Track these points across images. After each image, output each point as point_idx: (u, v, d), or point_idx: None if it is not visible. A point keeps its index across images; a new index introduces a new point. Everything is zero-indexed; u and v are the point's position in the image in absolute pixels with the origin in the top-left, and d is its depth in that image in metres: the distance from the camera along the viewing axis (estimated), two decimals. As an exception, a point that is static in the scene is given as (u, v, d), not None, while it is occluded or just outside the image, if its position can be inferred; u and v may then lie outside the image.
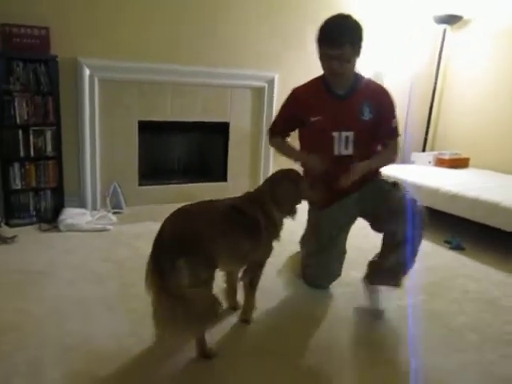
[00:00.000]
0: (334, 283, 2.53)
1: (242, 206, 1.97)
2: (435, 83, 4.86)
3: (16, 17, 3.13)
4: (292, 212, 2.11)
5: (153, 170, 4.09)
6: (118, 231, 3.27)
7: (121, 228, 3.33)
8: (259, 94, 4.15)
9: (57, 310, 2.14)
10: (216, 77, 3.93)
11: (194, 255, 1.70)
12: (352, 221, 2.46)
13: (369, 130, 2.24)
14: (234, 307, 2.24)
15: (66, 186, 3.49)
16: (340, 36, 2.05)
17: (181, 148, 4.29)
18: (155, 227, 3.17)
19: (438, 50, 4.78)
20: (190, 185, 4.13)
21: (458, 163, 4.43)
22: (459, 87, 4.79)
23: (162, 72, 3.71)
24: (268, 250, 2.10)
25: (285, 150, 2.44)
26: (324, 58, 2.14)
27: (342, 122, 2.22)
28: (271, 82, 4.14)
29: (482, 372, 1.87)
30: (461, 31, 4.72)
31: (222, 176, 4.24)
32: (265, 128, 4.20)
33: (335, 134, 2.22)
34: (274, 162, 4.34)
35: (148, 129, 3.86)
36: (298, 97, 2.31)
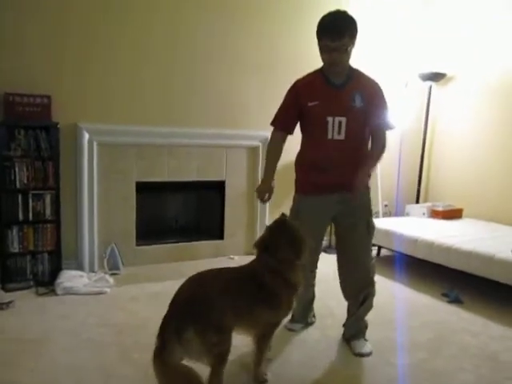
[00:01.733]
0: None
1: (259, 275, 2.01)
2: (424, 137, 5.01)
3: (18, 85, 3.28)
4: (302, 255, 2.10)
5: (150, 230, 4.12)
6: (115, 294, 3.25)
7: (118, 290, 3.32)
8: (254, 153, 4.27)
9: (51, 380, 2.11)
10: (211, 137, 4.06)
11: (204, 323, 1.82)
12: (327, 223, 2.61)
13: (360, 117, 2.38)
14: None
15: (64, 248, 3.52)
16: (340, 28, 2.22)
17: (178, 207, 4.36)
18: (152, 289, 3.21)
19: (425, 105, 4.96)
20: (187, 243, 4.16)
21: (452, 214, 4.49)
22: (448, 140, 4.93)
23: (157, 134, 3.84)
24: (288, 310, 2.14)
25: (269, 155, 2.61)
26: (325, 49, 2.29)
27: (336, 108, 2.35)
28: (265, 141, 4.26)
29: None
30: (446, 87, 4.93)
31: (218, 234, 4.27)
32: (260, 185, 4.29)
33: (329, 118, 2.35)
34: (270, 219, 4.39)
35: (145, 189, 3.93)
36: (298, 85, 2.47)
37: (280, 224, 2.14)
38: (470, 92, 4.69)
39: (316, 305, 2.86)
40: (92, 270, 3.67)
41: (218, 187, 4.22)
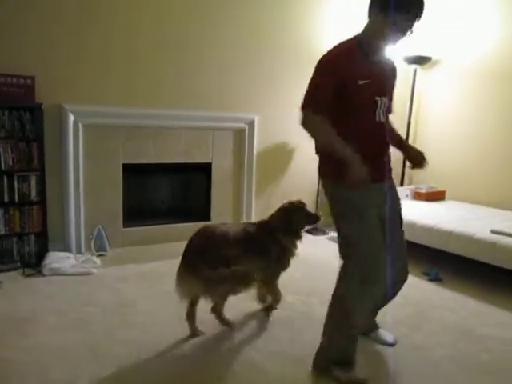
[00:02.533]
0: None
1: (253, 231, 2.53)
2: (409, 121, 5.06)
3: (2, 66, 3.23)
4: (299, 236, 2.61)
5: (137, 212, 4.13)
6: (102, 274, 3.28)
7: (105, 271, 3.35)
8: (240, 135, 4.29)
9: (40, 359, 2.15)
10: (198, 119, 4.06)
11: (211, 263, 2.32)
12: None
13: (392, 97, 2.26)
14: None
15: (51, 230, 3.52)
16: (423, 6, 2.00)
17: (165, 189, 4.37)
18: (139, 269, 3.24)
19: (410, 88, 5.00)
20: (174, 225, 4.18)
21: (435, 196, 4.58)
22: (432, 123, 4.99)
23: (145, 116, 3.84)
24: (275, 271, 2.59)
25: (328, 135, 2.04)
26: (400, 24, 1.99)
27: (381, 86, 2.16)
28: (251, 124, 4.29)
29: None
30: (431, 71, 4.97)
31: (205, 215, 4.30)
32: (246, 168, 4.33)
33: (378, 98, 2.12)
34: (256, 201, 4.44)
35: (132, 171, 3.94)
36: (342, 61, 2.07)
37: (288, 206, 2.69)
38: (454, 76, 4.74)
39: (299, 283, 2.92)
40: (79, 252, 3.68)
41: (205, 169, 4.24)
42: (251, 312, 2.74)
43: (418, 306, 2.91)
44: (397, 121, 5.26)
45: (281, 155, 4.55)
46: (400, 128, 5.04)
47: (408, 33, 2.03)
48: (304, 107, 2.06)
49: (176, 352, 2.25)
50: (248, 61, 4.21)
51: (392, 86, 2.26)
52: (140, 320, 2.57)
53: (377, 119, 2.13)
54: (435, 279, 3.36)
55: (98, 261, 3.48)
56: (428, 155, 2.26)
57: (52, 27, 3.42)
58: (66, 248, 3.64)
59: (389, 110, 2.26)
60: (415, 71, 4.94)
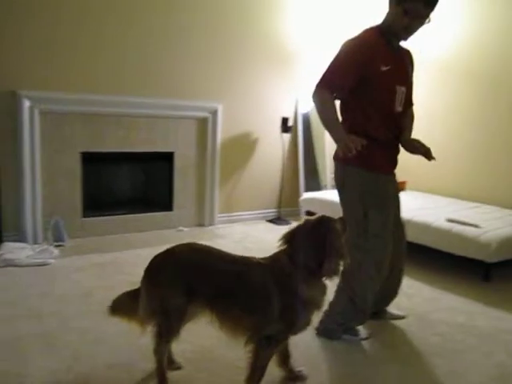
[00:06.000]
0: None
1: (252, 268, 1.71)
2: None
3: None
4: (333, 272, 1.71)
5: (97, 202, 4.05)
6: (59, 265, 3.20)
7: (62, 261, 3.27)
8: (203, 124, 4.25)
9: (-11, 350, 2.08)
10: (160, 108, 4.00)
11: (154, 283, 1.75)
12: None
13: (411, 87, 2.26)
14: (291, 377, 1.90)
15: (5, 220, 3.42)
16: None
17: (126, 178, 4.29)
18: (97, 260, 3.17)
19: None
20: (136, 215, 4.12)
21: (396, 186, 4.67)
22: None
23: (105, 103, 3.75)
24: (285, 326, 1.69)
25: (330, 115, 2.06)
26: (411, 13, 2.01)
27: (403, 75, 2.17)
28: (215, 113, 4.25)
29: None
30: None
31: (167, 205, 4.26)
32: (209, 157, 4.30)
33: (398, 87, 2.13)
34: (220, 191, 4.42)
35: (92, 160, 3.85)
36: (366, 46, 2.07)
37: (317, 222, 1.74)
38: (420, 68, 4.81)
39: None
40: (36, 242, 3.58)
41: (168, 158, 4.18)
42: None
43: (375, 292, 2.97)
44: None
45: (245, 145, 4.54)
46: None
47: (426, 21, 2.06)
48: (319, 83, 2.07)
49: (132, 341, 2.22)
50: (212, 49, 4.17)
51: (411, 76, 2.27)
52: (96, 310, 2.53)
53: (395, 109, 2.15)
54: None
55: (55, 251, 3.40)
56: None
57: (1, 9, 3.28)
58: (21, 238, 3.54)
59: (409, 102, 2.27)
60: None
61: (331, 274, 1.70)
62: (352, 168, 2.16)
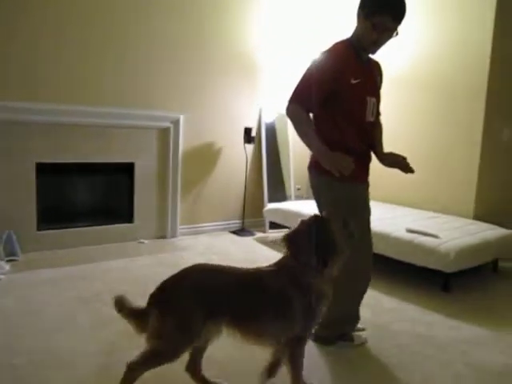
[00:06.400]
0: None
1: (265, 277, 1.74)
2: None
3: None
4: (337, 266, 1.83)
5: (54, 214, 3.89)
6: (9, 280, 3.05)
7: (14, 277, 3.11)
8: (164, 135, 4.18)
9: None
10: (120, 117, 3.91)
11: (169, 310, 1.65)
12: None
13: (380, 98, 2.32)
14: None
15: (-48, 234, 3.24)
16: (405, 9, 2.06)
17: (85, 190, 4.15)
18: (52, 274, 3.04)
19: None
20: (95, 227, 4.00)
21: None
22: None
23: (63, 113, 3.64)
24: (308, 323, 1.79)
25: (305, 128, 2.08)
26: (379, 27, 2.04)
27: (371, 87, 2.22)
28: (177, 123, 4.19)
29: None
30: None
31: (128, 217, 4.15)
32: (171, 168, 4.22)
33: (368, 98, 2.19)
34: (182, 202, 4.35)
35: (49, 171, 3.72)
36: (338, 59, 2.10)
37: (315, 221, 1.80)
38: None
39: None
40: (-14, 257, 3.41)
41: (128, 169, 4.09)
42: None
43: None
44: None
45: (208, 155, 4.49)
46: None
47: (394, 35, 2.10)
48: (291, 99, 2.11)
49: (83, 361, 2.12)
50: (173, 59, 4.13)
51: (379, 87, 2.33)
52: (45, 328, 2.41)
53: (367, 119, 2.20)
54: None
55: (7, 266, 3.24)
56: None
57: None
58: (-30, 253, 3.36)
59: (378, 112, 2.33)
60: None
61: (335, 267, 1.82)
62: (327, 178, 2.13)
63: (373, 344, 2.44)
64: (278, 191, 4.97)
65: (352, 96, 2.13)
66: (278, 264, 1.81)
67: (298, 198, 5.14)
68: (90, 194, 4.16)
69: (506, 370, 2.22)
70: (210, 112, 4.39)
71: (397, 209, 4.32)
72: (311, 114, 2.19)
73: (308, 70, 2.12)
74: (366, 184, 2.37)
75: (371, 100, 2.20)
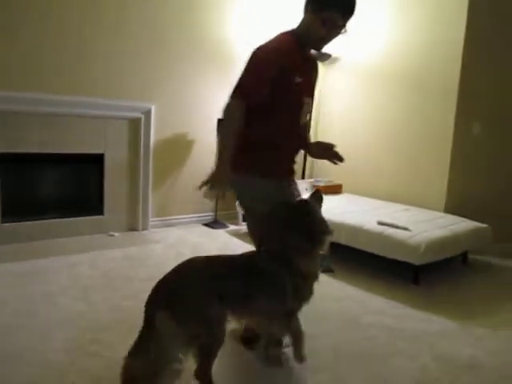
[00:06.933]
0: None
1: (258, 260, 1.87)
2: (310, 117, 5.15)
3: None
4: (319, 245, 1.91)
5: (19, 206, 3.76)
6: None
7: (-26, 271, 3.00)
8: (135, 125, 4.08)
9: None
10: (88, 107, 3.79)
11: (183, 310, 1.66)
12: None
13: (313, 99, 2.21)
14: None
15: None
16: (354, 6, 1.97)
17: (53, 181, 4.02)
18: (14, 269, 2.93)
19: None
20: (63, 219, 3.88)
21: (332, 190, 4.70)
22: (331, 120, 5.12)
23: (25, 101, 3.48)
24: (299, 300, 1.92)
25: (230, 135, 1.92)
26: (327, 23, 1.94)
27: (310, 87, 2.12)
28: (148, 113, 4.10)
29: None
30: (332, 68, 5.08)
31: (97, 209, 4.04)
32: (142, 159, 4.13)
33: (305, 99, 2.07)
34: (154, 194, 4.27)
35: (12, 162, 3.59)
36: (282, 55, 1.95)
37: (300, 206, 1.93)
38: (352, 74, 4.89)
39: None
40: None
41: (97, 160, 3.97)
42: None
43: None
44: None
45: (180, 146, 4.41)
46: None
47: (342, 31, 2.00)
48: (235, 94, 1.94)
49: (46, 357, 2.05)
50: (144, 48, 4.01)
51: (315, 86, 2.24)
52: (4, 324, 2.32)
53: (301, 120, 2.11)
54: (326, 270, 3.43)
55: (-33, 260, 3.12)
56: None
57: None
58: None
59: (311, 113, 2.26)
60: (315, 67, 5.03)
61: (322, 246, 1.91)
62: (256, 178, 2.03)
63: (342, 337, 2.43)
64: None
65: (293, 96, 2.01)
66: (268, 248, 1.91)
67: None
68: (58, 186, 4.03)
69: (472, 362, 2.24)
70: (183, 102, 4.31)
71: (370, 202, 4.32)
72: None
73: (252, 62, 1.98)
74: (292, 180, 2.23)
75: (307, 101, 2.09)
